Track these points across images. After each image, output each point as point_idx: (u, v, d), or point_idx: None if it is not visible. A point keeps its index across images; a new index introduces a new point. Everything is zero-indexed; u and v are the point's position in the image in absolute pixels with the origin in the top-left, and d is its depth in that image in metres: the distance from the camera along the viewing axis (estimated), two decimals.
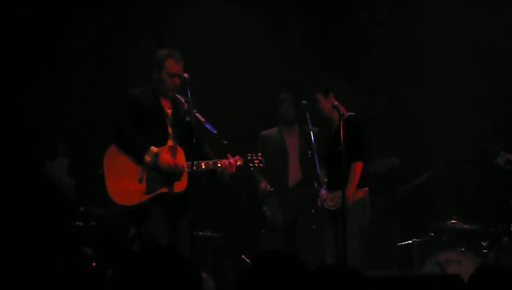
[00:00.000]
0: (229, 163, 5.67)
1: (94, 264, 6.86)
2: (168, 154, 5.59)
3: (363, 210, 6.48)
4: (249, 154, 5.83)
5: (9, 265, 6.08)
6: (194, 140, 5.45)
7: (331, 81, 6.73)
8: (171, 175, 5.57)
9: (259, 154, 5.89)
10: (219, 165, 5.65)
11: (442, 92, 8.28)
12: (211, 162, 5.65)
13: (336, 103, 6.36)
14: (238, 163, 5.76)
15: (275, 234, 7.29)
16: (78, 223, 7.03)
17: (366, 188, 6.50)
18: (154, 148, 5.53)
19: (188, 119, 5.57)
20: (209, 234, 7.81)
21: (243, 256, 7.63)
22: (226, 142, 5.71)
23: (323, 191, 6.62)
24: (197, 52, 6.76)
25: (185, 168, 5.56)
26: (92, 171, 5.74)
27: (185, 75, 5.67)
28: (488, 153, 6.52)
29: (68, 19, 8.16)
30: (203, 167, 5.61)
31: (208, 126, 5.70)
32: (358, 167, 6.42)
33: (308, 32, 8.81)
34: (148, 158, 5.51)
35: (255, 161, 5.83)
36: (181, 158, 5.61)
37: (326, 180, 6.71)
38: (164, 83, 5.70)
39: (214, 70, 8.09)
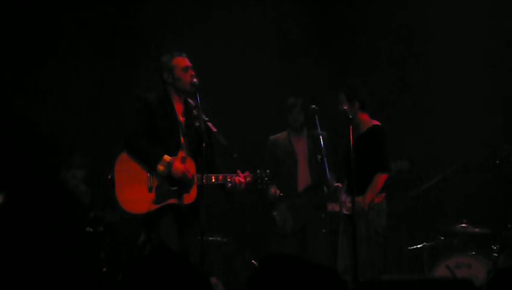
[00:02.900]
0: (239, 180, 5.67)
1: (104, 269, 6.88)
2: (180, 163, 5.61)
3: (380, 215, 6.47)
4: (258, 171, 5.83)
5: (23, 270, 6.12)
6: (204, 145, 5.46)
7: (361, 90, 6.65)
8: (180, 186, 5.57)
9: (268, 171, 5.88)
10: (229, 180, 5.66)
11: (452, 95, 8.26)
12: (221, 176, 5.65)
13: (345, 108, 6.35)
14: (248, 179, 5.75)
15: (284, 239, 7.28)
16: (89, 228, 7.05)
17: (383, 194, 6.49)
18: (167, 157, 5.53)
19: (197, 124, 5.58)
20: (219, 239, 7.82)
21: (253, 261, 7.63)
22: (236, 155, 5.72)
23: (344, 196, 6.58)
24: (203, 56, 6.78)
25: (195, 180, 5.56)
26: (99, 176, 5.76)
27: (194, 80, 5.69)
28: (503, 154, 6.50)
29: (79, 32, 8.21)
30: (213, 180, 5.62)
31: (219, 137, 5.71)
32: (383, 178, 6.40)
33: (315, 35, 8.81)
34: (161, 167, 5.51)
35: (265, 179, 5.83)
36: (191, 169, 5.62)
37: (339, 184, 6.69)
38: (181, 80, 5.71)
39: (219, 75, 8.09)
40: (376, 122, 6.50)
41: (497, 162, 6.58)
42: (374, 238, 6.37)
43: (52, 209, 6.91)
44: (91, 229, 7.06)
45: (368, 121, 6.52)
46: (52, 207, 6.95)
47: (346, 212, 6.49)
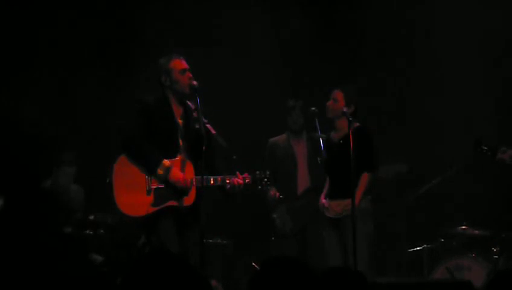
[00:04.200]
0: (238, 182, 5.67)
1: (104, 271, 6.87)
2: (179, 168, 5.60)
3: (367, 218, 6.46)
4: (258, 172, 5.82)
5: (15, 275, 6.09)
6: (204, 147, 5.45)
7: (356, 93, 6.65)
8: (179, 189, 5.57)
9: (268, 172, 5.87)
10: (228, 181, 5.66)
11: (451, 97, 8.26)
12: (219, 178, 5.64)
13: (345, 110, 6.34)
14: (247, 181, 5.74)
15: (284, 241, 7.28)
16: (87, 231, 7.05)
17: (369, 196, 6.49)
18: (166, 162, 5.52)
19: (197, 126, 5.58)
20: (219, 241, 7.82)
21: (253, 263, 7.63)
22: (235, 157, 5.72)
23: (323, 200, 6.58)
24: (202, 58, 6.79)
25: (194, 183, 5.57)
26: (100, 179, 5.75)
27: (194, 82, 5.68)
28: (483, 149, 6.49)
29: (73, 28, 8.18)
30: (212, 182, 5.61)
31: (218, 139, 5.71)
32: (368, 177, 6.39)
33: (315, 37, 8.81)
34: (160, 171, 5.50)
35: (264, 180, 5.82)
36: (190, 172, 5.61)
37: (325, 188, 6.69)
38: (179, 82, 5.69)
39: (219, 77, 8.09)
40: (357, 124, 6.48)
41: (478, 151, 6.56)
42: (367, 241, 6.36)
43: (42, 212, 6.92)
44: (90, 232, 7.06)
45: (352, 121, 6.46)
46: (42, 209, 6.96)
47: (330, 216, 6.49)
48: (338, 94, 6.49)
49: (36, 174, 7.58)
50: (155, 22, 8.35)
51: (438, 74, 8.46)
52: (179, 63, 5.73)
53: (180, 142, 5.68)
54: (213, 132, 5.69)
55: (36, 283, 6.00)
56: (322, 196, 6.62)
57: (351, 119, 6.20)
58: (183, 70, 5.71)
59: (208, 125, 5.70)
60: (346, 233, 6.16)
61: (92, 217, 7.16)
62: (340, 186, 6.31)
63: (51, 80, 7.97)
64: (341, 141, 6.40)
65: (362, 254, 6.13)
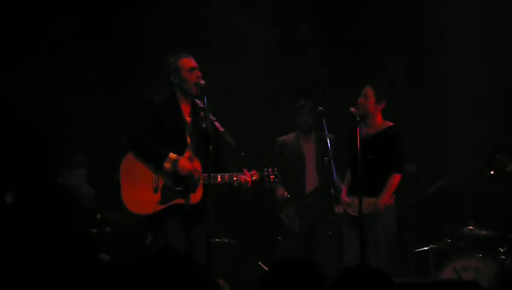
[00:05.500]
0: (245, 179, 5.67)
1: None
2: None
3: (391, 217, 6.46)
4: (266, 169, 5.81)
5: (26, 271, 6.11)
6: (211, 147, 5.45)
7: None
8: (186, 186, 5.57)
9: (276, 169, 5.87)
10: (235, 179, 5.66)
11: (459, 97, 8.25)
12: (227, 175, 5.64)
13: (352, 110, 6.33)
14: (254, 178, 5.74)
15: (291, 241, 7.28)
16: (94, 230, 7.07)
17: (394, 195, 6.49)
18: (173, 155, 5.52)
19: (204, 126, 5.58)
20: (225, 240, 7.81)
21: (259, 262, 7.62)
22: (243, 154, 5.71)
23: (346, 197, 6.58)
24: (210, 57, 6.77)
25: (201, 180, 5.57)
26: (108, 178, 5.76)
27: (201, 81, 5.68)
28: (496, 163, 6.49)
29: (81, 33, 8.20)
30: (219, 179, 5.61)
31: (226, 136, 5.70)
32: (397, 178, 6.40)
33: (322, 36, 8.80)
34: (167, 165, 5.50)
35: (271, 177, 5.81)
36: (198, 169, 5.61)
37: (343, 185, 6.71)
38: (187, 81, 5.70)
39: (227, 75, 8.09)
40: (391, 123, 6.51)
41: (492, 172, 6.59)
42: (387, 240, 6.36)
43: (54, 210, 6.94)
44: (97, 231, 7.08)
45: (382, 122, 6.53)
46: (54, 208, 6.97)
47: (354, 214, 6.46)
48: (368, 90, 6.52)
49: (47, 171, 7.60)
50: (156, 23, 8.35)
51: (438, 74, 8.45)
52: (188, 62, 5.75)
53: (188, 139, 5.68)
54: (221, 129, 5.69)
55: (46, 277, 6.03)
56: (344, 192, 6.62)
57: (358, 119, 6.20)
58: (192, 69, 5.72)
59: (216, 123, 5.70)
60: (368, 231, 6.14)
61: (98, 216, 7.17)
62: (365, 183, 6.28)
63: (55, 81, 7.98)
64: (368, 139, 6.39)
65: (382, 253, 6.15)
